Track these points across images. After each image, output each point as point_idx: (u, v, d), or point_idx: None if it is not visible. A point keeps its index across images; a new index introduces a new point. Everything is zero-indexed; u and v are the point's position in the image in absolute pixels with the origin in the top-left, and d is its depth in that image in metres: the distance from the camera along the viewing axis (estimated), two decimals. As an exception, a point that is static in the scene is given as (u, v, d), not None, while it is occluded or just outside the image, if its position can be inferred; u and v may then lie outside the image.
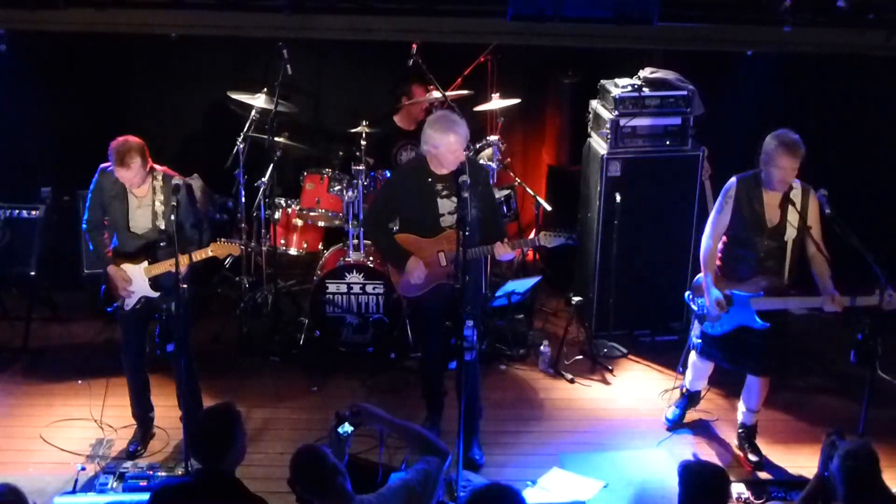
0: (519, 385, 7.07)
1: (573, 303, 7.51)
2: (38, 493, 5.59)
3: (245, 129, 7.42)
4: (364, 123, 7.24)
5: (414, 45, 7.30)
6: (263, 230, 7.50)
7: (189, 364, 6.07)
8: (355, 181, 7.12)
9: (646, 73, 7.37)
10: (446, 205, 5.88)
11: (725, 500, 4.29)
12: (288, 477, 4.12)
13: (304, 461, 4.10)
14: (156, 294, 5.95)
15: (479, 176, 5.93)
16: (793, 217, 5.70)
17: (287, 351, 7.28)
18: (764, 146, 5.65)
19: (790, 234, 5.73)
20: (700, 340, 6.07)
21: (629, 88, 7.19)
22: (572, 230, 6.08)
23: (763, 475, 6.05)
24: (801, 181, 5.72)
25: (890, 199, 7.91)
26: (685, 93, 7.21)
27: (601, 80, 7.44)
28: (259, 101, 7.38)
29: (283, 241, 7.47)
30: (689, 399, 6.43)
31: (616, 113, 7.16)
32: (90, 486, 5.65)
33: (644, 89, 7.20)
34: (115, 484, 5.63)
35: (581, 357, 7.33)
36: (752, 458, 6.16)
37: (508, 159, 7.58)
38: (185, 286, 5.72)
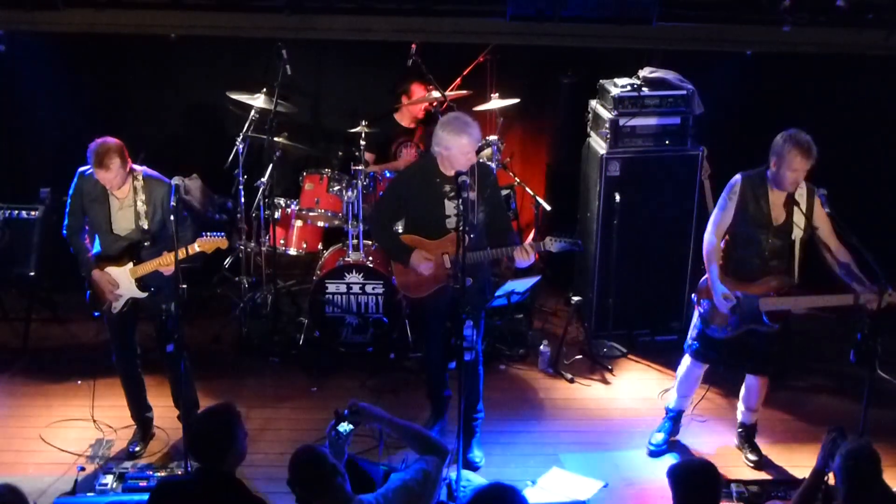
0: (519, 385, 7.07)
1: (573, 302, 7.51)
2: (38, 493, 5.60)
3: (244, 130, 7.42)
4: (363, 123, 7.24)
5: (413, 45, 7.30)
6: (263, 230, 7.50)
7: (185, 364, 6.06)
8: (355, 181, 7.12)
9: (645, 72, 7.37)
10: (453, 206, 5.86)
11: (719, 492, 4.31)
12: (288, 477, 4.12)
13: (302, 462, 4.10)
14: (143, 295, 5.93)
15: (488, 179, 5.91)
16: (798, 217, 5.67)
17: (287, 351, 7.28)
18: (775, 147, 5.59)
19: (797, 233, 5.69)
20: (696, 342, 5.98)
21: (628, 88, 7.19)
22: (572, 231, 6.06)
23: (763, 475, 6.05)
24: (807, 181, 5.70)
25: (890, 199, 7.92)
26: (684, 92, 7.21)
27: (600, 80, 7.44)
28: (258, 101, 7.37)
29: (282, 241, 7.47)
30: (675, 422, 6.29)
31: (615, 113, 7.16)
32: (90, 486, 5.64)
33: (643, 89, 7.20)
34: (114, 484, 5.62)
35: (581, 357, 7.33)
36: (752, 457, 6.15)
37: (508, 159, 7.58)
38: (184, 286, 5.70)
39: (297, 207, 7.38)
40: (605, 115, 7.24)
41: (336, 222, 7.37)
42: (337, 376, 7.05)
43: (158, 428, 6.35)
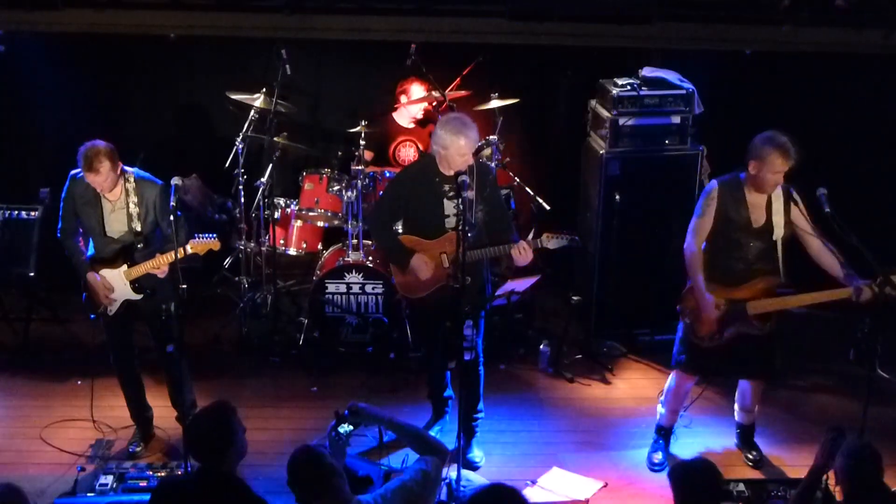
0: (519, 385, 7.07)
1: (573, 302, 7.51)
2: (38, 493, 5.61)
3: (244, 130, 7.42)
4: (363, 123, 7.24)
5: (413, 45, 7.30)
6: (263, 230, 7.50)
7: (184, 364, 6.06)
8: (354, 181, 7.13)
9: (645, 72, 7.37)
10: (452, 206, 5.85)
11: (720, 491, 4.31)
12: (287, 478, 4.12)
13: (301, 462, 4.10)
14: (138, 297, 5.93)
15: (486, 179, 5.90)
16: (777, 217, 5.66)
17: (287, 351, 7.28)
18: (754, 149, 5.57)
19: (777, 233, 5.68)
20: (683, 355, 5.91)
21: (628, 88, 7.19)
22: (573, 231, 6.06)
23: (763, 474, 6.05)
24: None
25: (890, 199, 7.91)
26: (684, 92, 7.21)
27: (600, 80, 7.44)
28: (258, 101, 7.37)
29: (282, 241, 7.47)
30: (667, 437, 6.23)
31: (615, 112, 7.15)
32: (90, 486, 5.64)
33: (643, 88, 7.20)
34: (114, 484, 5.62)
35: (580, 356, 7.33)
36: (752, 456, 6.16)
37: (507, 159, 7.58)
38: (184, 286, 5.70)
39: (297, 207, 7.38)
40: (605, 114, 7.24)
41: (336, 222, 7.37)
42: (337, 376, 7.05)
43: (158, 428, 6.35)
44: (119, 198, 5.82)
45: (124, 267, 5.87)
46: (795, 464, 6.07)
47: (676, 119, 7.23)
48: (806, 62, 7.81)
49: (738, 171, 5.70)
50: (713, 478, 4.28)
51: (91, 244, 5.96)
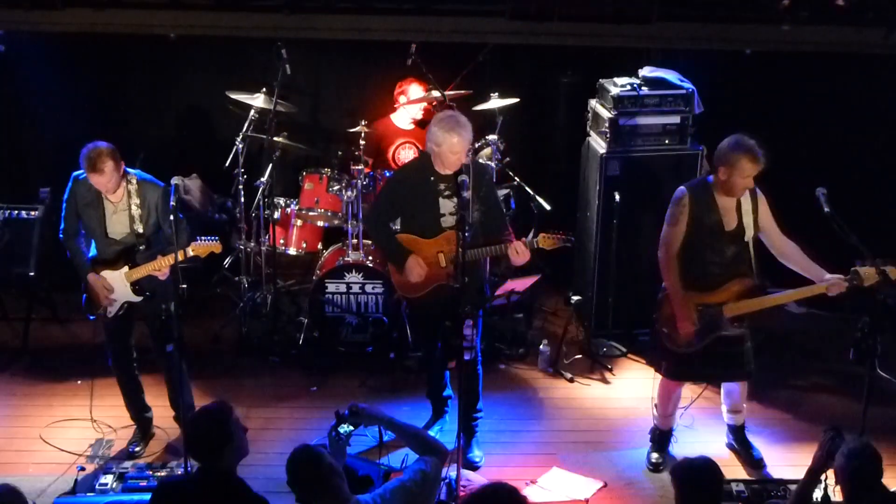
0: (518, 384, 7.07)
1: (572, 302, 7.51)
2: (38, 493, 5.61)
3: (244, 129, 7.42)
4: (363, 123, 7.24)
5: (413, 45, 7.30)
6: (263, 230, 7.50)
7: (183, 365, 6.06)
8: (354, 181, 7.12)
9: (645, 72, 7.37)
10: (448, 205, 5.87)
11: (720, 491, 4.31)
12: (287, 478, 4.12)
13: (300, 462, 4.10)
14: (138, 299, 5.94)
15: (483, 178, 5.90)
16: (748, 218, 5.68)
17: (286, 351, 7.28)
18: (723, 155, 5.56)
19: (749, 234, 5.70)
20: (665, 362, 5.92)
21: (628, 87, 7.19)
22: (571, 230, 6.06)
23: (763, 474, 6.04)
24: None
25: (890, 199, 7.91)
26: (684, 92, 7.21)
27: (600, 80, 7.44)
28: (258, 100, 7.37)
29: (282, 241, 7.47)
30: (665, 438, 6.21)
31: (615, 112, 7.16)
32: (90, 486, 5.64)
33: (643, 88, 7.20)
34: (114, 484, 5.62)
35: (580, 356, 7.33)
36: (750, 456, 6.14)
37: (507, 159, 7.58)
38: (184, 286, 5.71)
39: (297, 207, 7.38)
40: (605, 114, 7.24)
41: (336, 222, 7.37)
42: (337, 376, 7.05)
43: (158, 428, 6.36)
44: (121, 199, 5.82)
45: (125, 268, 5.87)
46: (795, 464, 6.05)
47: (676, 119, 7.23)
48: (806, 62, 7.81)
49: (705, 175, 5.71)
50: (716, 477, 4.28)
51: (93, 245, 5.96)
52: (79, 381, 6.81)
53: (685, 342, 5.77)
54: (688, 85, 7.26)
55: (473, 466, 6.06)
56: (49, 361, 7.12)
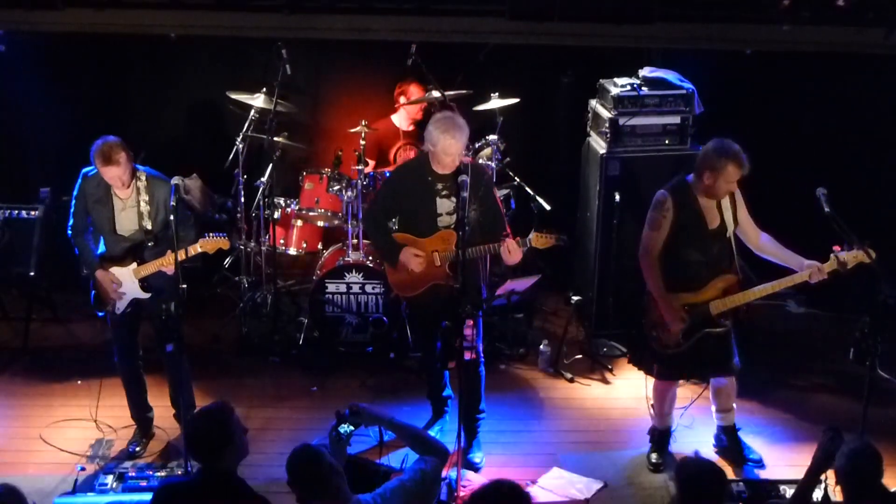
0: (518, 384, 7.07)
1: (573, 302, 7.51)
2: (38, 493, 5.59)
3: (244, 129, 7.42)
4: (363, 123, 7.24)
5: (413, 45, 7.30)
6: (263, 230, 7.50)
7: (185, 364, 6.06)
8: (354, 181, 7.13)
9: (645, 72, 7.37)
10: (445, 204, 5.88)
11: (722, 498, 4.30)
12: (287, 477, 4.12)
13: (300, 461, 4.10)
14: (146, 295, 5.94)
15: (481, 179, 5.90)
16: (728, 214, 5.71)
17: (287, 351, 7.29)
18: (708, 160, 5.59)
19: (730, 230, 5.74)
20: (655, 363, 5.93)
21: (628, 88, 7.19)
22: (568, 230, 6.06)
23: (763, 475, 6.04)
24: None
25: (890, 199, 7.91)
26: (684, 92, 7.22)
27: (600, 80, 7.44)
28: (258, 101, 7.38)
29: (282, 241, 7.47)
30: (663, 438, 6.20)
31: (615, 112, 7.16)
32: (90, 486, 5.65)
33: (643, 88, 7.20)
34: (114, 484, 5.63)
35: (581, 356, 7.33)
36: (750, 456, 6.14)
37: (507, 159, 7.58)
38: (184, 286, 5.71)
39: (297, 207, 7.38)
40: (605, 114, 7.24)
41: (336, 222, 7.37)
42: (337, 376, 7.05)
43: (158, 428, 6.35)
44: (130, 196, 5.83)
45: (134, 265, 5.89)
46: (795, 464, 6.05)
47: (676, 119, 7.24)
48: (806, 62, 7.81)
49: (683, 175, 5.72)
50: (718, 478, 4.27)
51: (101, 243, 5.97)
52: (79, 381, 6.81)
53: (674, 342, 5.77)
54: (688, 85, 7.26)
55: (474, 468, 6.06)
56: (49, 361, 7.13)
